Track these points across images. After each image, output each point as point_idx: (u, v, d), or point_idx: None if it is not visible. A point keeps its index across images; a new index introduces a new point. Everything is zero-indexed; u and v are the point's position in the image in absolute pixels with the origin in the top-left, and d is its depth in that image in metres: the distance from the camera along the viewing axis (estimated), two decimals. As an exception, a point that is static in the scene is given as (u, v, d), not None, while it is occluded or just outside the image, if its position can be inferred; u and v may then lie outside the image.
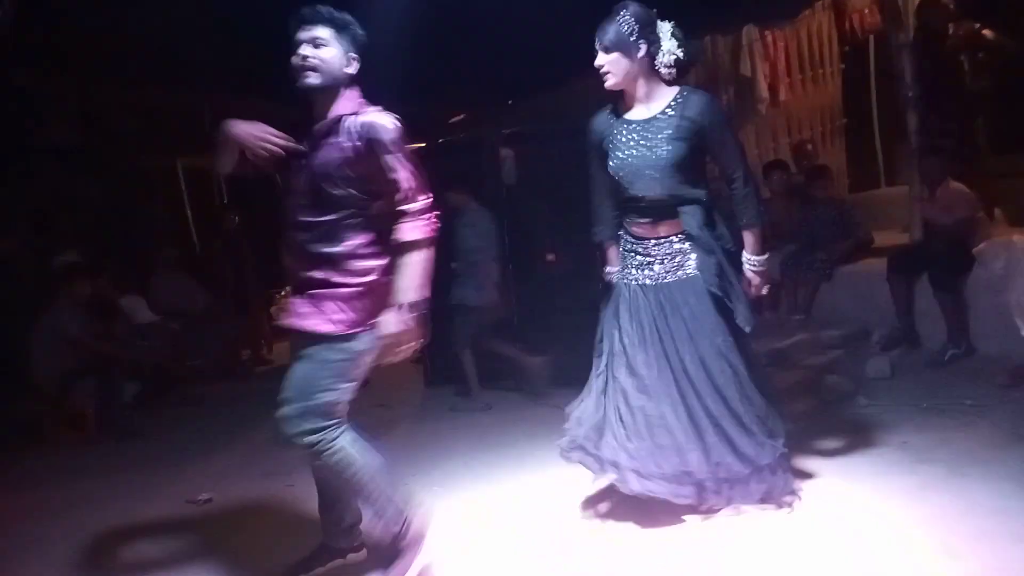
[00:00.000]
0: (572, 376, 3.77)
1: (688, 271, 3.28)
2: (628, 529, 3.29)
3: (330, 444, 2.75)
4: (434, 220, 2.80)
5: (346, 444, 2.78)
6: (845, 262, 6.19)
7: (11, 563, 3.72)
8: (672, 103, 3.22)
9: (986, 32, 6.20)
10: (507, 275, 5.96)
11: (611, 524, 3.36)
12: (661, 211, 3.28)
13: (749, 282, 3.32)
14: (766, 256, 3.34)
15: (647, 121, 3.23)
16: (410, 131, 2.82)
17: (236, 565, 3.40)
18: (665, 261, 3.30)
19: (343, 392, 2.78)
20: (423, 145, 4.50)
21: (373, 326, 2.77)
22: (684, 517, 3.27)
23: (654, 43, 3.21)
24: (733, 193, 3.28)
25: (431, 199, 2.81)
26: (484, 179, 6.13)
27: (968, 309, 5.22)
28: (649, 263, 3.32)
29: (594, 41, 3.23)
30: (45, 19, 4.28)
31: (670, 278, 3.28)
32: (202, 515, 4.12)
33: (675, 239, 3.29)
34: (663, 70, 3.24)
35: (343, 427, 2.79)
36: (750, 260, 3.30)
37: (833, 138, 8.11)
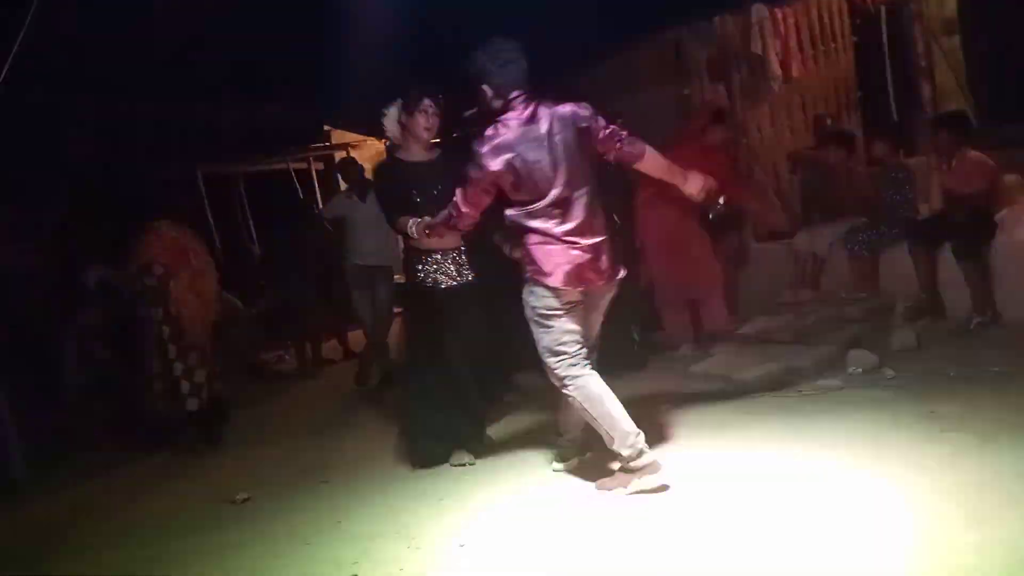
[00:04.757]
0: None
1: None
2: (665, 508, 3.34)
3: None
4: None
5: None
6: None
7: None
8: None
9: None
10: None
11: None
12: None
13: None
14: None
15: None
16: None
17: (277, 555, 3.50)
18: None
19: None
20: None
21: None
22: (714, 483, 3.33)
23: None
24: None
25: None
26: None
27: (992, 277, 5.20)
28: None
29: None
30: (60, 38, 4.35)
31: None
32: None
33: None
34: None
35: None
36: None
37: (850, 112, 8.04)
